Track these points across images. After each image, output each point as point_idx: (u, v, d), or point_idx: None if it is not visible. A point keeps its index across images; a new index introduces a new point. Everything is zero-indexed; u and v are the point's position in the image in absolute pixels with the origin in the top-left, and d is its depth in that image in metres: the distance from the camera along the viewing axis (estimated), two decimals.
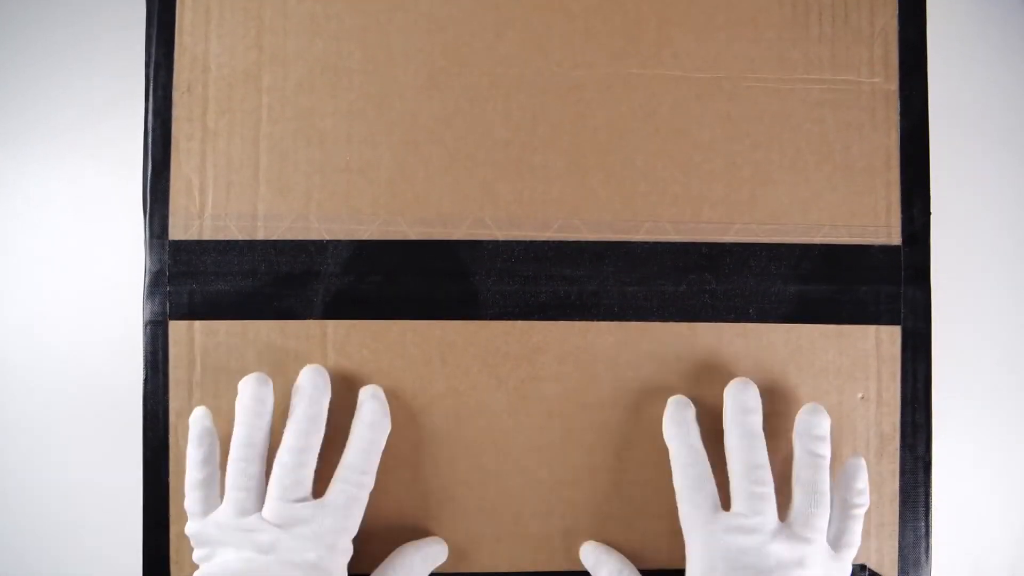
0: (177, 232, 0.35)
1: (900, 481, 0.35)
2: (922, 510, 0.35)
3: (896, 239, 0.35)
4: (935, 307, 0.35)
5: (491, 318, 0.35)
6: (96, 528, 0.41)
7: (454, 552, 0.35)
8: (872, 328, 0.35)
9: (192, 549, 0.33)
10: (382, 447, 0.34)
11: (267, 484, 0.32)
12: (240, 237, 0.35)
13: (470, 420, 0.35)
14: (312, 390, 0.33)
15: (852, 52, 0.35)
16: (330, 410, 0.34)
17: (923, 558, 0.34)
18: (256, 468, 0.32)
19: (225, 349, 0.35)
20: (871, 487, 0.35)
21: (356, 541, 0.33)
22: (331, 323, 0.35)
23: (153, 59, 0.36)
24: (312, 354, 0.35)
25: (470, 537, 0.35)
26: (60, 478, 0.42)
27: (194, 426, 0.33)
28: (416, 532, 0.35)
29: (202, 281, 0.35)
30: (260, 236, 0.35)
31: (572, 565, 0.35)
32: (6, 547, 0.42)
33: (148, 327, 0.35)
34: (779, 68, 0.35)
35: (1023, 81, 0.42)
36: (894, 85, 0.35)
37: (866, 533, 0.35)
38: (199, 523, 0.32)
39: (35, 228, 0.43)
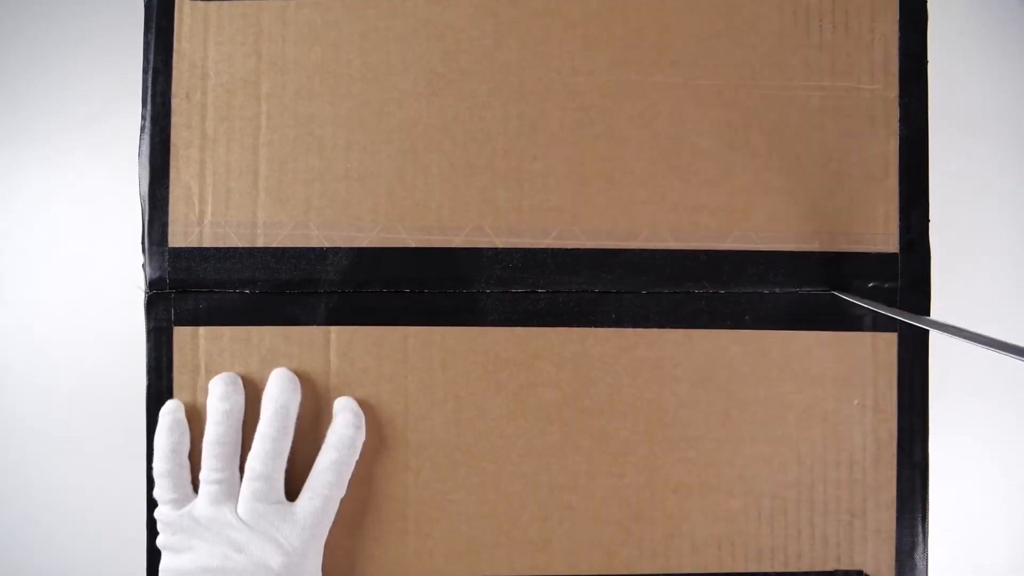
0: (177, 239, 0.35)
1: (897, 487, 0.35)
2: (919, 516, 0.35)
3: (894, 246, 0.35)
4: (932, 314, 0.35)
5: (490, 325, 0.35)
6: (99, 533, 0.42)
7: (453, 557, 0.35)
8: (869, 335, 0.35)
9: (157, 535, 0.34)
10: (355, 458, 0.34)
11: (240, 483, 0.33)
12: (240, 245, 0.35)
13: (470, 425, 0.35)
14: (279, 394, 0.34)
15: (852, 59, 0.35)
16: (320, 414, 0.34)
17: (920, 564, 0.35)
18: (228, 464, 0.33)
19: (229, 355, 0.35)
20: (868, 493, 0.35)
21: (355, 543, 0.33)
22: (334, 329, 0.35)
23: (151, 65, 0.36)
24: (315, 360, 0.35)
25: (469, 541, 0.35)
26: (64, 482, 0.43)
27: (165, 417, 0.34)
28: (416, 536, 0.35)
29: (205, 288, 0.35)
30: (260, 244, 0.35)
31: (570, 569, 0.35)
32: (11, 551, 0.43)
33: (152, 333, 0.35)
34: (779, 75, 0.35)
35: (1023, 89, 0.42)
36: (894, 92, 0.35)
37: (863, 539, 0.35)
38: (172, 512, 0.33)
39: (35, 228, 0.43)
